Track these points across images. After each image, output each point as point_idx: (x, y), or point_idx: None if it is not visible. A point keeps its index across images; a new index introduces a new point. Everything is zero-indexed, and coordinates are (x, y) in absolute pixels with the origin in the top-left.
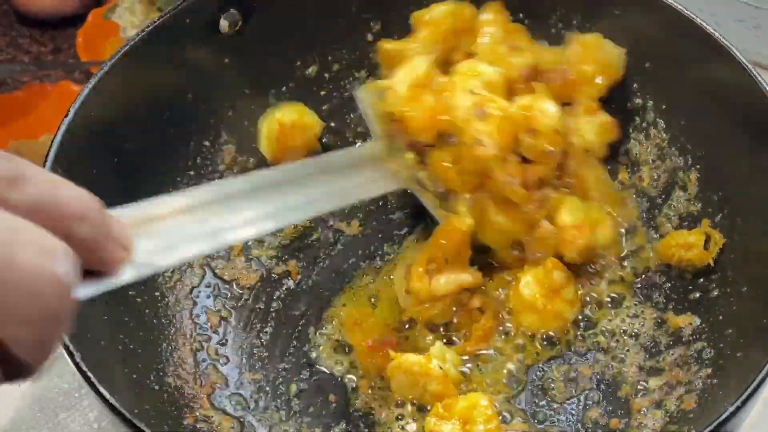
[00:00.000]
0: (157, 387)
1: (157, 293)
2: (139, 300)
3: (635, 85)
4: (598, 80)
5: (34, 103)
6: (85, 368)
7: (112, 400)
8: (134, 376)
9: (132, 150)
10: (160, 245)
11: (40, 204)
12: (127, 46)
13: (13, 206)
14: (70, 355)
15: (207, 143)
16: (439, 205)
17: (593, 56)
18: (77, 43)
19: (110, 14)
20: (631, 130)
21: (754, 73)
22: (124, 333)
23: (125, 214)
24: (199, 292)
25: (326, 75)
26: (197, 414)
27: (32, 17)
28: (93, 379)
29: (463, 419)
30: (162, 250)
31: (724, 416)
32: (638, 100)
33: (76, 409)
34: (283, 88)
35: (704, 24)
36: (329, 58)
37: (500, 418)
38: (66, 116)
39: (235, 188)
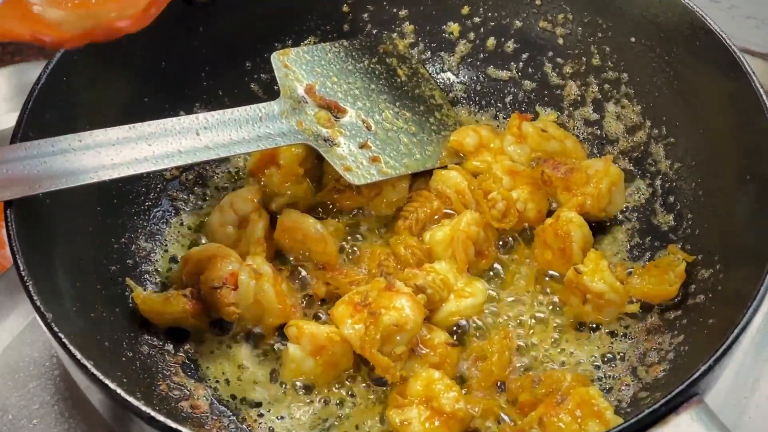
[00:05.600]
0: (130, 354)
1: (129, 261)
2: (112, 268)
3: None
4: (588, 202)
5: None
6: (59, 333)
7: (88, 365)
8: (106, 343)
9: (107, 120)
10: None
11: None
12: None
13: None
14: (43, 317)
15: (182, 112)
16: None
17: (603, 180)
18: None
19: None
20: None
21: None
22: (97, 299)
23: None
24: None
25: (302, 44)
26: (170, 381)
27: None
28: (67, 344)
29: (425, 398)
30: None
31: (694, 377)
32: None
33: (47, 378)
34: (258, 59)
35: None
36: (304, 27)
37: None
38: (37, 83)
39: (158, 128)
